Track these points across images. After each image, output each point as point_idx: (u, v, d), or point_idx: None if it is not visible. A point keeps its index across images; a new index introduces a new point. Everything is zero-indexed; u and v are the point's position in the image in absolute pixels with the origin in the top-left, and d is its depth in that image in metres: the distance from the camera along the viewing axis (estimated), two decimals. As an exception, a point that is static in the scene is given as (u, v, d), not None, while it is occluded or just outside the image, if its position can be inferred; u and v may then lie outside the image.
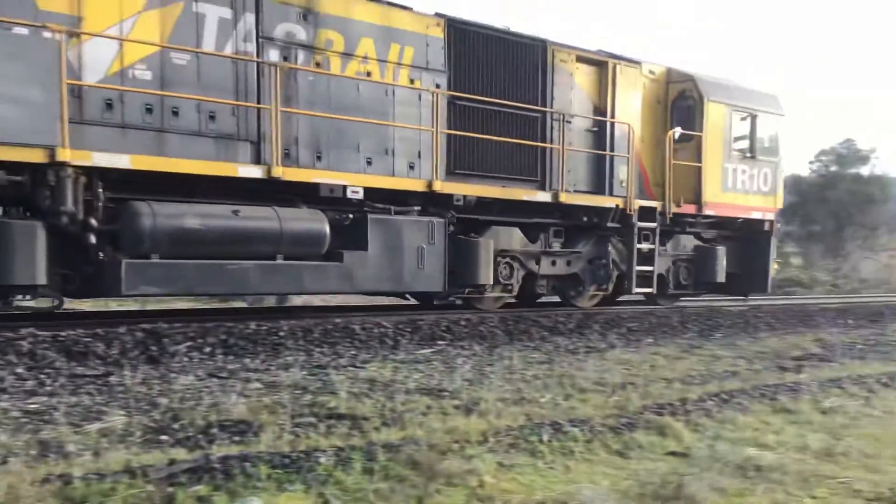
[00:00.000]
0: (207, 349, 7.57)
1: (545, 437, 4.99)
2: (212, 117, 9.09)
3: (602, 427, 5.33)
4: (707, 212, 13.84)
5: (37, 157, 7.67)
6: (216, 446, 4.47)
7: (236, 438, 4.67)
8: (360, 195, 9.89)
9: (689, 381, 7.35)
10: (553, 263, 12.48)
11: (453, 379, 6.72)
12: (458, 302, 11.84)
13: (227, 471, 3.95)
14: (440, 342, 8.96)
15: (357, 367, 7.18)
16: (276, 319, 9.04)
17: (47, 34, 7.70)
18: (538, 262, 12.24)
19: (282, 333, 8.20)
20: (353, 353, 8.02)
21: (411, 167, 10.75)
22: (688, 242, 14.26)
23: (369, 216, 10.01)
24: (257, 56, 9.40)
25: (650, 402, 6.18)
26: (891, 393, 7.26)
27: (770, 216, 14.91)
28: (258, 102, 9.33)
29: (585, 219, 12.55)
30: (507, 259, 11.83)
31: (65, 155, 7.76)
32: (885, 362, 8.99)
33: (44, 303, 9.02)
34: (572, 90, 12.49)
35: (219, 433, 4.75)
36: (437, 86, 10.88)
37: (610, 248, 13.03)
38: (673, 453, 5.02)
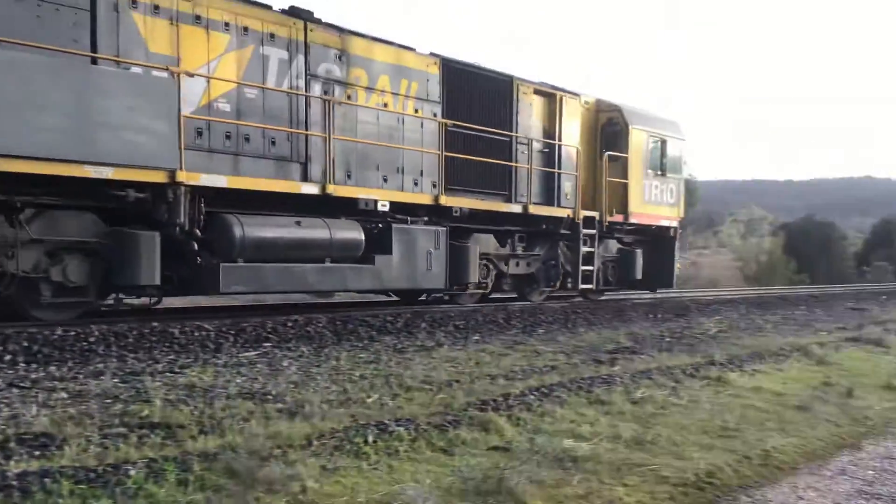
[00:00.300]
0: (8, 357, 6.99)
1: (370, 438, 4.95)
2: (272, 142, 11.00)
3: (427, 425, 5.35)
4: (632, 220, 16.62)
5: (160, 177, 9.37)
6: (13, 462, 4.12)
7: (37, 453, 4.32)
8: (388, 208, 11.96)
9: (512, 376, 7.54)
10: (517, 264, 14.93)
11: (278, 382, 6.55)
12: (446, 298, 14.08)
13: (25, 488, 3.65)
14: (266, 344, 8.73)
15: (175, 373, 6.84)
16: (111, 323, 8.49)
17: (166, 74, 9.49)
18: (507, 264, 14.67)
19: (92, 339, 7.70)
20: (171, 358, 7.64)
21: (415, 184, 12.86)
22: (612, 246, 17.09)
23: (393, 226, 12.09)
24: (305, 90, 11.36)
25: (475, 398, 6.27)
26: (696, 382, 7.74)
27: (675, 224, 17.95)
28: (306, 130, 11.32)
29: (544, 226, 15.06)
30: (485, 261, 14.09)
31: (182, 176, 9.49)
32: (690, 354, 9.58)
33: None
34: (531, 118, 14.97)
35: (17, 448, 4.37)
36: (434, 114, 13.10)
37: (559, 251, 15.55)
38: (495, 448, 5.11)
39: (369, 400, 6.05)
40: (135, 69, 9.48)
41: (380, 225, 12.04)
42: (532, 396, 6.50)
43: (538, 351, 9.37)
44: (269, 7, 11.15)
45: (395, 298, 14.49)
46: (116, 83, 8.98)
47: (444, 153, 12.80)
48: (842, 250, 59.02)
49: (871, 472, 5.45)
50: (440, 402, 6.05)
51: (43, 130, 8.26)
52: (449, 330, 10.68)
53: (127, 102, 8.90)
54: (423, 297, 14.35)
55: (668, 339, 10.92)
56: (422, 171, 12.94)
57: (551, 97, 15.47)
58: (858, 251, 72.02)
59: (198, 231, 9.89)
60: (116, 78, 9.13)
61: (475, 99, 13.79)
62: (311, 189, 11.11)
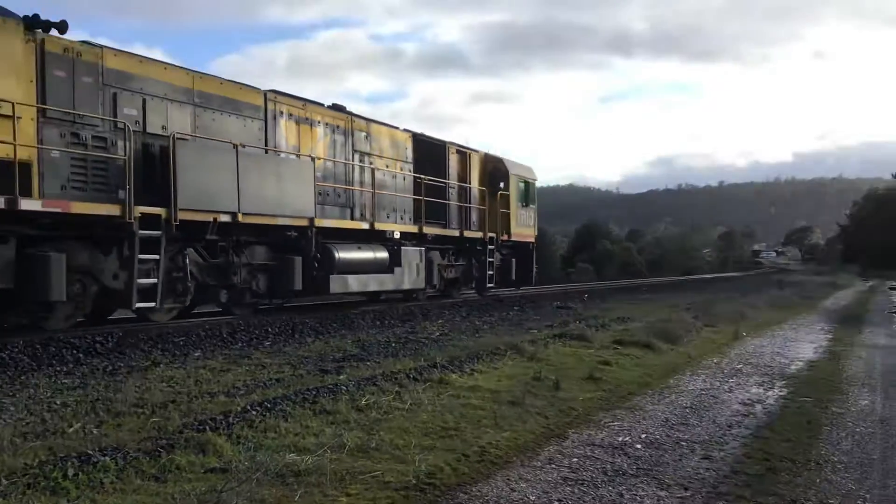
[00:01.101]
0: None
1: (70, 472, 4.49)
2: (339, 195, 17.16)
3: (137, 452, 4.97)
4: (513, 239, 24.17)
5: (306, 223, 15.30)
6: None
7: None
8: (399, 236, 18.49)
9: (234, 392, 7.26)
10: (452, 271, 21.69)
11: (-41, 417, 5.77)
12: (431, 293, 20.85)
13: None
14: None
15: None
16: None
17: (308, 159, 15.61)
18: (447, 270, 21.37)
19: None
20: None
21: (402, 218, 19.32)
22: (498, 258, 23.59)
23: (402, 247, 18.43)
24: (352, 161, 17.65)
25: (192, 419, 5.95)
26: (419, 386, 7.92)
27: (533, 240, 26.07)
28: (357, 186, 17.85)
29: (468, 245, 22.13)
30: (438, 269, 20.64)
31: (317, 221, 15.57)
32: (414, 358, 9.83)
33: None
34: (454, 169, 21.80)
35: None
36: (411, 170, 19.78)
37: (473, 262, 22.57)
38: (213, 470, 4.86)
39: (71, 430, 5.50)
40: (292, 156, 15.66)
41: (394, 247, 18.15)
42: (255, 412, 6.29)
43: (263, 364, 9.13)
44: (337, 107, 17.61)
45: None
46: (289, 166, 15.33)
47: (423, 199, 19.63)
48: (550, 253, 64.11)
49: (575, 459, 5.87)
50: (153, 425, 5.66)
51: (264, 198, 14.04)
52: (167, 347, 10.09)
53: (294, 177, 14.97)
54: (383, 298, 19.63)
55: (394, 345, 11.13)
56: (405, 209, 19.48)
57: (464, 154, 22.47)
58: (564, 254, 78.55)
59: (318, 255, 15.64)
60: (289, 163, 15.47)
61: (427, 158, 20.49)
62: (366, 225, 17.60)
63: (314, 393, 7.14)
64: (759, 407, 8.35)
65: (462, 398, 7.52)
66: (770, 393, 9.24)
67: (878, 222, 73.61)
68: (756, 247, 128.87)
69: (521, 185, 24.82)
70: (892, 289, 40.49)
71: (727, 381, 9.86)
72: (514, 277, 24.42)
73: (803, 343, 14.65)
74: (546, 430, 6.72)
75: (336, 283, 15.92)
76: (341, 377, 8.18)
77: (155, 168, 12.50)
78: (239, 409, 6.37)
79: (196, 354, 9.87)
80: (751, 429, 7.29)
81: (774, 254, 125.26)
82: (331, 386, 7.53)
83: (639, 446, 6.42)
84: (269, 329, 12.12)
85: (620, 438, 6.62)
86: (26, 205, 10.23)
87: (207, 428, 5.63)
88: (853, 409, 8.65)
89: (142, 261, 11.81)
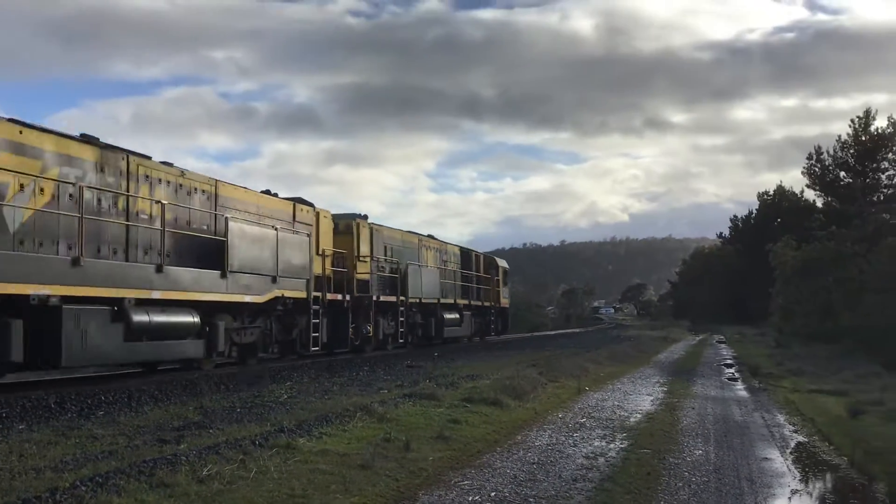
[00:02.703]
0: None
1: None
2: (455, 288, 30.99)
3: (-54, 540, 4.49)
4: (500, 305, 37.77)
5: (435, 301, 28.24)
6: None
7: None
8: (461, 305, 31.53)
9: (62, 467, 6.74)
10: (477, 323, 33.89)
11: None
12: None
13: None
14: None
15: None
16: None
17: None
18: (476, 321, 33.58)
19: None
20: None
21: (460, 296, 31.61)
22: (492, 316, 36.78)
23: (462, 312, 31.74)
24: (443, 267, 29.68)
25: (14, 497, 5.46)
26: (265, 452, 7.63)
27: (507, 306, 39.73)
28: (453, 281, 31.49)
29: (483, 308, 35.29)
30: (474, 322, 33.66)
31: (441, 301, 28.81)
32: (260, 423, 9.50)
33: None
34: (474, 265, 33.96)
35: None
36: (459, 267, 32.09)
37: (488, 318, 35.95)
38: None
39: None
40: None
41: (463, 311, 31.59)
42: (84, 488, 5.86)
43: (95, 435, 8.54)
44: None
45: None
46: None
47: (460, 283, 32.01)
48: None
49: (424, 521, 5.81)
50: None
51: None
52: (-14, 420, 9.26)
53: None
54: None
55: (238, 410, 10.72)
56: (459, 291, 31.52)
57: (478, 255, 35.44)
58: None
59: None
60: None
61: (465, 259, 33.12)
62: (454, 300, 30.31)
63: (151, 465, 6.74)
64: (601, 460, 8.60)
65: (310, 463, 7.32)
66: (612, 445, 9.55)
67: (705, 279, 78.72)
68: (596, 303, 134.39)
69: (503, 272, 37.83)
70: (719, 342, 43.20)
71: (572, 436, 10.12)
72: (500, 328, 37.49)
73: (641, 396, 15.30)
74: (396, 493, 6.63)
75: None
76: (181, 447, 7.78)
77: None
78: (67, 485, 5.91)
79: (20, 427, 9.12)
80: (595, 482, 7.48)
81: (612, 310, 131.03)
82: (169, 456, 7.13)
83: (488, 505, 6.44)
84: (103, 397, 11.39)
85: (471, 498, 6.63)
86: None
87: (30, 508, 5.18)
88: (689, 458, 9.07)
89: None
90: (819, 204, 53.99)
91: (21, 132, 11.58)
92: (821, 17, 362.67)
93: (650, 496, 7.17)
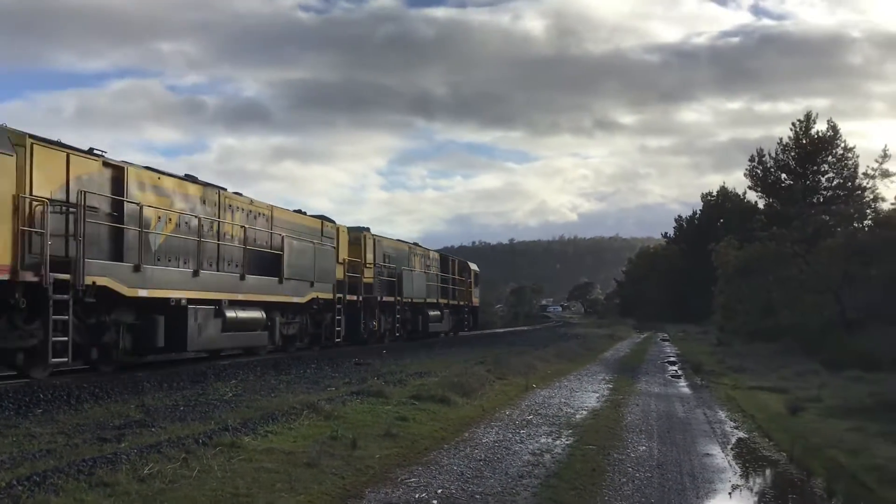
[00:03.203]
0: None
1: None
2: (437, 289, 35.64)
3: None
4: (472, 304, 42.81)
5: (422, 301, 32.34)
6: None
7: None
8: (441, 304, 36.32)
9: (-3, 467, 6.55)
10: (454, 319, 39.05)
11: None
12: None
13: None
14: None
15: None
16: None
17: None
18: (455, 317, 39.19)
19: None
20: None
21: (439, 298, 35.43)
22: (466, 313, 42.40)
23: (442, 310, 36.50)
24: (427, 272, 34.32)
25: (-56, 499, 5.29)
26: (209, 451, 7.52)
27: (478, 304, 45.98)
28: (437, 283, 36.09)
29: (458, 307, 40.15)
30: (452, 319, 38.50)
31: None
32: (204, 421, 9.36)
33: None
34: (450, 269, 38.55)
35: None
36: (438, 272, 36.48)
37: (462, 315, 40.88)
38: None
39: None
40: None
41: (443, 309, 36.65)
42: (21, 487, 5.71)
43: (33, 434, 8.32)
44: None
45: None
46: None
47: (440, 284, 35.94)
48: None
49: (370, 518, 5.79)
50: None
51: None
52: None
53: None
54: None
55: (182, 408, 10.54)
56: (438, 293, 35.07)
57: (454, 260, 39.96)
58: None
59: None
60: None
61: (442, 264, 37.89)
62: (436, 300, 35.30)
63: (90, 464, 6.60)
64: (548, 456, 8.67)
65: (255, 462, 7.24)
66: (558, 442, 9.63)
67: (650, 278, 79.94)
68: (544, 301, 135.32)
69: (475, 274, 43.28)
70: (663, 340, 43.89)
71: (518, 433, 10.18)
72: (472, 324, 42.69)
73: (587, 393, 15.47)
74: (342, 490, 6.60)
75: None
76: (122, 445, 7.62)
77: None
78: (3, 484, 5.76)
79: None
80: (540, 478, 7.54)
81: (560, 308, 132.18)
82: (110, 455, 6.99)
83: (435, 502, 6.45)
84: (42, 395, 11.10)
85: (417, 495, 6.62)
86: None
87: (-39, 509, 5.03)
88: (633, 454, 9.19)
89: None
90: (761, 205, 55.04)
91: (159, 178, 15.75)
92: (766, 21, 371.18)
93: (595, 492, 7.25)
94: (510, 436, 9.91)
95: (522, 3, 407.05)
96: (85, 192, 13.04)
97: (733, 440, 11.00)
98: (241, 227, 18.42)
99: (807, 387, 16.69)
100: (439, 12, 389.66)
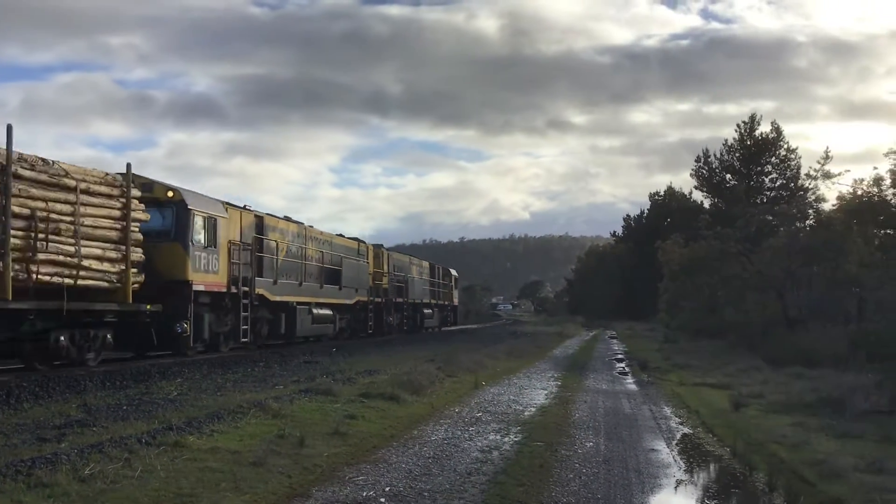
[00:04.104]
0: None
1: None
2: (430, 292, 44.25)
3: None
4: (454, 304, 53.37)
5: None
6: None
7: None
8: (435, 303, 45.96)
9: (-72, 469, 6.33)
10: (439, 316, 46.79)
11: None
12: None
13: None
14: None
15: None
16: None
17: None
18: (441, 314, 47.41)
19: None
20: None
21: (430, 297, 44.27)
22: (449, 310, 52.71)
23: (434, 308, 45.69)
24: (418, 277, 41.67)
25: None
26: (152, 450, 7.38)
27: (457, 304, 56.96)
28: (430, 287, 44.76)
29: (443, 306, 48.46)
30: (439, 316, 47.05)
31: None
32: (148, 420, 9.18)
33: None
34: (437, 275, 45.70)
35: None
36: (430, 277, 44.43)
37: (445, 312, 49.15)
38: None
39: None
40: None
41: (436, 306, 45.43)
42: (-46, 490, 5.52)
43: (-32, 434, 8.08)
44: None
45: None
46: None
47: (431, 288, 44.25)
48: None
49: (317, 517, 5.73)
50: None
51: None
52: None
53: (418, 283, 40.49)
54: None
55: (125, 407, 10.33)
56: (429, 294, 43.82)
57: (439, 267, 47.06)
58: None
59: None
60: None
61: (431, 271, 44.38)
62: (429, 300, 43.77)
63: (29, 464, 6.43)
64: (496, 453, 8.70)
65: (200, 461, 7.12)
66: (507, 439, 9.67)
67: (598, 276, 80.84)
68: (494, 300, 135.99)
69: (455, 279, 51.25)
70: (611, 337, 44.43)
71: (468, 430, 10.20)
72: (453, 320, 50.56)
73: (536, 390, 15.57)
74: (289, 489, 6.53)
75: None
76: (62, 445, 7.44)
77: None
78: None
79: None
80: (489, 475, 7.56)
81: (511, 306, 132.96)
82: (49, 455, 6.81)
83: (382, 500, 6.42)
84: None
85: (365, 493, 6.59)
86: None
87: None
88: (580, 451, 9.28)
89: None
90: (706, 205, 56.13)
91: (276, 221, 23.49)
92: (714, 25, 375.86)
93: (542, 488, 7.29)
94: (459, 433, 9.93)
95: (476, 2, 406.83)
96: (254, 236, 21.29)
97: (678, 436, 11.17)
98: (319, 251, 26.52)
99: (750, 383, 17.03)
100: (393, 10, 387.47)
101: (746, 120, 53.00)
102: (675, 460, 9.34)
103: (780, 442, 10.22)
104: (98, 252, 14.48)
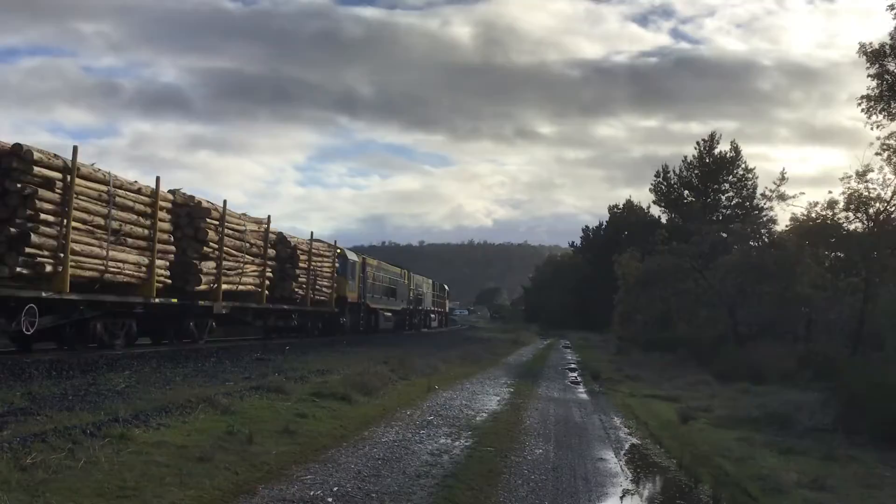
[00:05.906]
0: None
1: None
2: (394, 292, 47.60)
3: None
4: (440, 310, 70.41)
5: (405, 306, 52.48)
6: None
7: None
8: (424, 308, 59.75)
9: None
10: (433, 319, 62.74)
11: None
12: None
13: None
14: None
15: None
16: None
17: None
18: (432, 317, 61.69)
19: None
20: None
21: (405, 300, 50.32)
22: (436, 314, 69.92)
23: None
24: (397, 281, 48.78)
25: None
26: (96, 442, 7.23)
27: (447, 309, 75.65)
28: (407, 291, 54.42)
29: (430, 309, 63.47)
30: (428, 317, 60.95)
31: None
32: (93, 412, 9.00)
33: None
34: (424, 284, 58.49)
35: None
36: (407, 284, 52.73)
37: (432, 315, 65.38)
38: None
39: None
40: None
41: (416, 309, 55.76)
42: None
43: None
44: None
45: None
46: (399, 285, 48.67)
47: (413, 295, 53.84)
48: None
49: (262, 515, 5.68)
50: None
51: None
52: None
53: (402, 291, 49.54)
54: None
55: (71, 398, 10.12)
56: (405, 297, 48.80)
57: (423, 278, 58.27)
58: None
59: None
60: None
61: (411, 280, 51.58)
62: (406, 305, 50.41)
63: (-33, 453, 6.25)
64: (446, 457, 8.70)
65: (145, 455, 7.01)
66: (457, 443, 9.68)
67: (555, 286, 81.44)
68: (451, 305, 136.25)
69: (447, 291, 67.96)
70: (565, 347, 44.77)
71: (418, 433, 10.19)
72: (444, 322, 65.40)
73: (489, 396, 15.62)
74: (235, 486, 6.46)
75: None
76: (3, 433, 7.25)
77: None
78: None
79: None
80: (438, 478, 7.56)
81: (467, 312, 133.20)
82: (-11, 444, 6.64)
83: (330, 500, 6.39)
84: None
85: (312, 492, 6.54)
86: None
87: None
88: (529, 457, 9.32)
89: None
90: (664, 219, 56.92)
91: (364, 259, 37.97)
92: (683, 45, 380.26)
93: (490, 493, 7.32)
94: (410, 436, 9.91)
95: (452, 9, 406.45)
96: (366, 268, 37.22)
97: (627, 446, 11.28)
98: (386, 277, 42.45)
99: (698, 397, 17.28)
100: (368, 12, 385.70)
101: (706, 138, 53.90)
102: (623, 470, 9.43)
103: (725, 456, 10.38)
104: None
